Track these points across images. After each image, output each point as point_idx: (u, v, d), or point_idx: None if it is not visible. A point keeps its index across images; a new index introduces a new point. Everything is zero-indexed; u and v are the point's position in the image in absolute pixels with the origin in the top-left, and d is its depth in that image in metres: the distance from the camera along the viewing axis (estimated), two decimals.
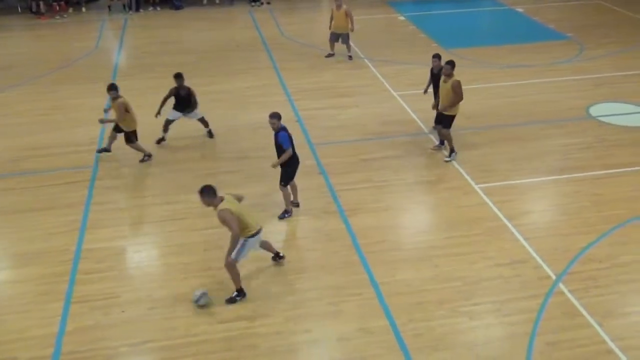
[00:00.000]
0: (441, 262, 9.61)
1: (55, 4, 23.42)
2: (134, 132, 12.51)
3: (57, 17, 23.16)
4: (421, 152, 12.84)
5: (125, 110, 12.19)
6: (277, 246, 9.73)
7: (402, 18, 22.54)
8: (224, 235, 10.13)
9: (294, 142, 10.41)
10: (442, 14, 23.31)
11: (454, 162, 12.30)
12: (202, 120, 13.52)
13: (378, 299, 8.85)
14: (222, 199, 8.52)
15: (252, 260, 9.44)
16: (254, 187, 11.50)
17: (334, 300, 8.88)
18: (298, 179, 10.90)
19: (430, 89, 13.38)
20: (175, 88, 13.04)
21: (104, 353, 8.06)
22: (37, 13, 23.41)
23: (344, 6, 17.76)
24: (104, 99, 15.42)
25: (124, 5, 24.08)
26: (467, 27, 21.89)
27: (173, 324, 8.48)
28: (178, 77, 13.01)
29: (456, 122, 12.48)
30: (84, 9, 24.04)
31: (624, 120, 14.10)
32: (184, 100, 13.14)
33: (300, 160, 10.68)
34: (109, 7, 23.98)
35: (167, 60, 18.28)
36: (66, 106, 15.37)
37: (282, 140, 10.16)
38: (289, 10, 23.82)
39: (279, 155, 10.32)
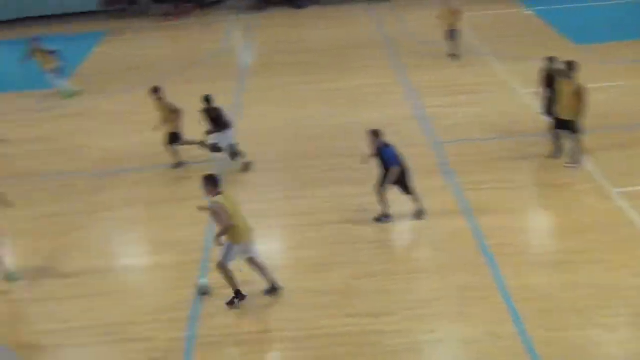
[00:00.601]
0: (574, 268, 9.20)
1: (183, 6, 24.55)
2: (175, 135, 12.56)
3: (185, 19, 24.26)
4: (549, 154, 12.36)
5: (171, 111, 12.43)
6: (402, 245, 9.68)
7: (528, 12, 21.79)
8: (347, 231, 10.30)
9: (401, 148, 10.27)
10: (573, 8, 22.16)
11: (585, 165, 11.70)
12: (232, 148, 12.52)
13: (506, 303, 8.61)
14: (219, 193, 8.40)
15: (378, 255, 9.48)
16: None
17: (460, 301, 8.74)
18: (421, 179, 10.80)
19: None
20: (207, 110, 12.30)
21: (233, 339, 8.39)
22: (167, 15, 24.60)
23: (452, 3, 17.46)
24: (232, 97, 16.06)
25: (248, 7, 24.85)
26: (602, 20, 20.62)
27: (299, 316, 8.67)
28: (206, 100, 12.30)
29: (590, 122, 11.84)
30: (208, 11, 25.04)
31: None
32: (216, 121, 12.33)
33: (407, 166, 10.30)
34: (234, 8, 24.86)
35: (290, 59, 18.73)
36: (195, 104, 16.01)
37: (389, 157, 9.98)
38: (410, 6, 23.65)
39: (383, 170, 10.10)
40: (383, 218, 10.47)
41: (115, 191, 12.20)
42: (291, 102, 15.67)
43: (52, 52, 16.92)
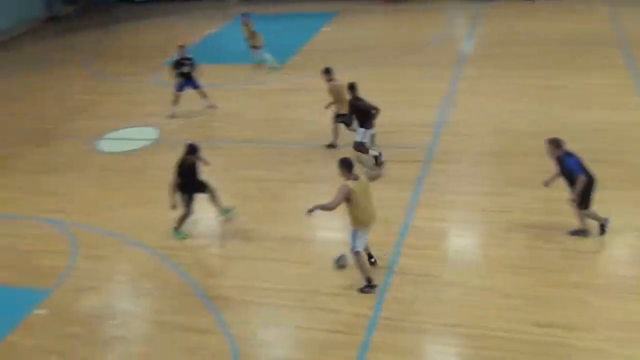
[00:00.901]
0: None
1: None
2: (342, 115, 12.91)
3: (411, 4, 24.40)
4: None
5: (339, 93, 12.68)
6: (606, 259, 8.98)
7: None
8: (545, 236, 9.77)
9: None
10: None
11: None
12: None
13: None
14: (355, 178, 8.56)
15: (576, 266, 8.91)
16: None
17: None
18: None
19: None
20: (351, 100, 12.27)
21: (416, 327, 8.38)
22: None
23: None
24: (447, 84, 15.90)
25: None
26: None
27: (485, 314, 8.44)
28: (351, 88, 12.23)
29: None
30: None
31: None
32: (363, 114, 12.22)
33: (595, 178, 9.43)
34: None
35: (513, 51, 18.04)
36: (409, 88, 16.15)
37: (573, 167, 9.18)
38: None
39: (568, 182, 9.34)
40: (579, 232, 9.76)
41: (323, 164, 12.71)
42: (507, 95, 15.11)
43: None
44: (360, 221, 8.80)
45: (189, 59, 15.33)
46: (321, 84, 16.88)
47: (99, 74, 19.89)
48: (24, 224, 11.72)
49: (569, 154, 9.27)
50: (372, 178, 9.22)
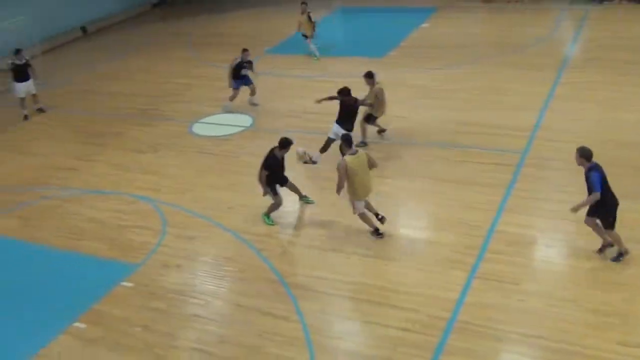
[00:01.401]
0: None
1: None
2: (375, 118, 13.09)
3: (515, 3, 23.68)
4: None
5: (376, 97, 12.68)
6: None
7: None
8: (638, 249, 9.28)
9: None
10: None
11: None
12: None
13: None
14: (353, 152, 9.68)
15: None
16: None
17: None
18: None
19: None
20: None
21: (494, 333, 8.15)
22: None
23: None
24: (546, 88, 15.35)
25: None
26: None
27: (567, 328, 8.11)
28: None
29: None
30: None
31: None
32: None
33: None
34: None
35: (620, 56, 17.16)
36: (506, 89, 15.68)
37: (593, 181, 8.68)
38: None
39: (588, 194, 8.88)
40: (619, 256, 9.23)
41: (411, 161, 12.58)
42: (611, 103, 14.38)
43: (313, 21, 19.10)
44: (356, 194, 9.90)
45: (250, 62, 15.67)
46: (415, 79, 16.70)
47: (198, 59, 20.48)
48: (119, 200, 12.25)
49: (596, 168, 8.81)
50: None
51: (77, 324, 9.01)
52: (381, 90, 12.92)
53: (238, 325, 8.76)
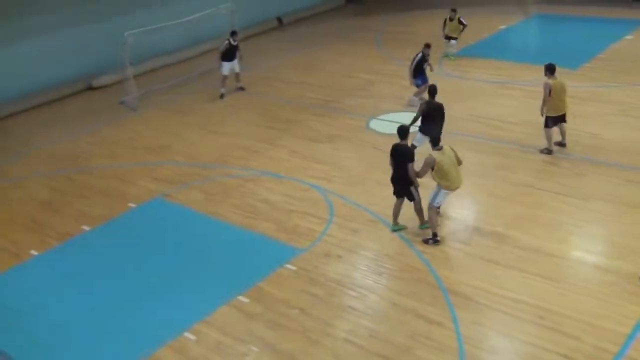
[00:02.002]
0: None
1: None
2: (552, 119, 12.52)
3: None
4: None
5: (550, 93, 12.18)
6: None
7: None
8: None
9: None
10: None
11: None
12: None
13: None
14: (439, 149, 10.04)
15: None
16: None
17: None
18: None
19: None
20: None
21: None
22: None
23: None
24: None
25: None
26: None
27: None
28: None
29: None
30: None
31: None
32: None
33: None
34: None
35: None
36: None
37: None
38: None
39: None
40: None
41: (595, 181, 11.78)
42: None
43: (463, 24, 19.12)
44: (444, 185, 10.15)
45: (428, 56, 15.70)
46: (613, 95, 15.65)
47: (385, 56, 20.65)
48: (292, 185, 12.72)
49: None
50: None
51: (241, 298, 9.50)
52: (555, 85, 12.46)
53: (391, 324, 8.75)
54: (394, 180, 10.60)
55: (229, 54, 17.72)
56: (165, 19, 19.22)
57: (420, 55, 15.54)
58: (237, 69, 18.14)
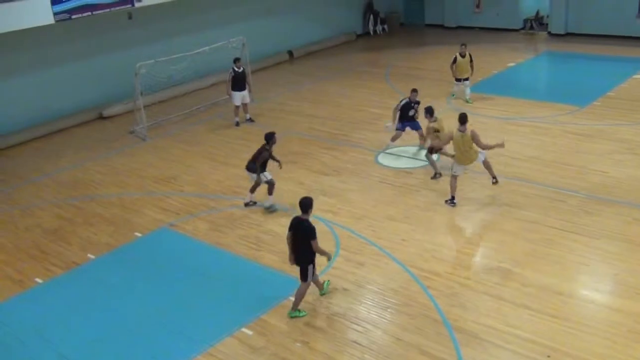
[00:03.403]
0: None
1: None
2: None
3: None
4: None
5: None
6: None
7: None
8: None
9: None
10: None
11: None
12: None
13: None
14: (462, 130, 12.10)
15: None
16: None
17: None
18: None
19: None
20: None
21: None
22: None
23: None
24: None
25: None
26: None
27: None
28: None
29: None
30: None
31: None
32: None
33: None
34: None
35: None
36: None
37: None
38: None
39: None
40: None
41: (603, 220, 11.70)
42: None
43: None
44: (458, 159, 12.31)
45: (418, 103, 15.33)
46: (622, 133, 15.67)
47: (394, 90, 20.76)
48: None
49: None
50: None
51: (244, 330, 9.43)
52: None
53: (398, 359, 8.64)
54: (293, 257, 9.63)
55: (237, 83, 17.91)
56: (177, 51, 19.48)
57: (405, 100, 15.37)
58: (246, 99, 18.31)
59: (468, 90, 18.89)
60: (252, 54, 21.30)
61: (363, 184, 14.04)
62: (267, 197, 13.05)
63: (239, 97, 18.04)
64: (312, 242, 9.29)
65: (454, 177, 12.47)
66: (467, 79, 18.77)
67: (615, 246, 10.88)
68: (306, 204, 9.50)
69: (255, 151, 12.96)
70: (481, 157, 12.44)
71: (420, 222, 12.02)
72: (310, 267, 9.48)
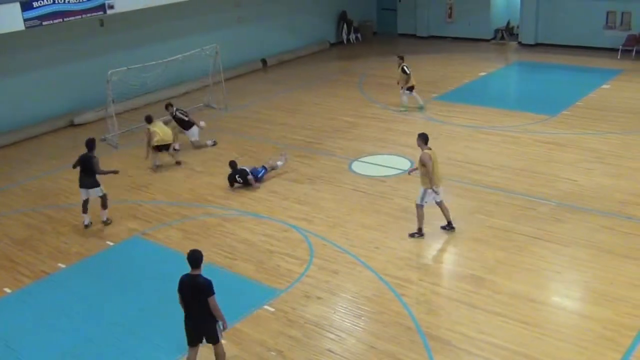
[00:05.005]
0: None
1: None
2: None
3: None
4: None
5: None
6: None
7: None
8: None
9: None
10: None
11: None
12: None
13: None
14: (429, 148, 11.32)
15: None
16: None
17: None
18: None
19: None
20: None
21: None
22: None
23: None
24: None
25: None
26: None
27: None
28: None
29: None
30: None
31: None
32: None
33: None
34: None
35: None
36: None
37: None
38: None
39: None
40: None
41: (573, 227, 11.88)
42: None
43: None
44: (432, 183, 11.20)
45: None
46: (590, 142, 15.92)
47: (367, 99, 20.89)
48: (272, 226, 12.69)
49: None
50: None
51: None
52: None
53: None
54: (190, 323, 8.28)
55: (184, 126, 16.99)
56: (150, 59, 19.36)
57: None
58: (193, 136, 17.14)
59: (404, 99, 19.33)
60: (226, 62, 21.28)
61: (337, 192, 14.07)
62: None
63: (195, 132, 17.12)
64: (209, 300, 7.95)
65: (421, 207, 11.53)
66: (411, 88, 19.13)
67: (584, 253, 11.05)
68: (197, 258, 8.10)
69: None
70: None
71: (393, 230, 12.08)
72: (217, 324, 8.18)
